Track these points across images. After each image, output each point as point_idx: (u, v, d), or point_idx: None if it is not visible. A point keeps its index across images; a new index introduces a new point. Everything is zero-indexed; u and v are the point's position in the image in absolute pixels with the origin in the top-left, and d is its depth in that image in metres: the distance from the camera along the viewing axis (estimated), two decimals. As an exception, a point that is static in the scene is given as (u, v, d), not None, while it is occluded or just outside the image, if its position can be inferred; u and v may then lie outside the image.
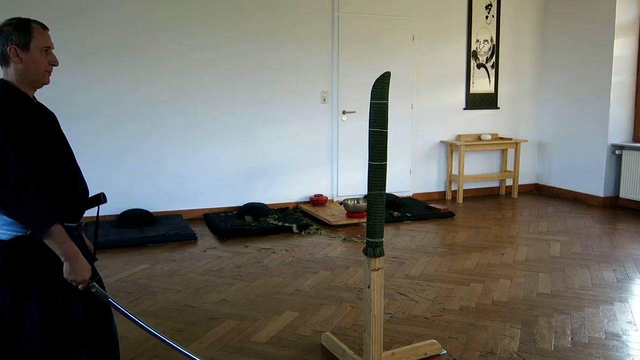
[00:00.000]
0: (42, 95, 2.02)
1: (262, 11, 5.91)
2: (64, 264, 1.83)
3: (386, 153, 2.47)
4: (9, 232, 1.83)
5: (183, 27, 5.63)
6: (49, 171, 1.85)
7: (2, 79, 1.91)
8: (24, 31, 1.86)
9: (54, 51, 1.95)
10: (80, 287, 1.87)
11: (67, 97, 5.24)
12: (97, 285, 1.95)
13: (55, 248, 1.81)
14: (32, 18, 1.92)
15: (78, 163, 2.06)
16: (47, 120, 1.97)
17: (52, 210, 1.78)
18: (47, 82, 1.96)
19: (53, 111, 2.04)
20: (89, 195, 2.05)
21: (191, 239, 5.02)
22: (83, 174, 2.05)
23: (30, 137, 1.82)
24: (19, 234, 1.83)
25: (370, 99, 2.45)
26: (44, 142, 1.87)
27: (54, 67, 1.96)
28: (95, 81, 5.37)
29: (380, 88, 2.42)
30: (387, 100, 2.45)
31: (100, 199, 2.04)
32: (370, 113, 2.47)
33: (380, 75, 2.44)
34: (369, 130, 2.46)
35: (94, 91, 5.38)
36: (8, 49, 1.85)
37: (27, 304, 1.84)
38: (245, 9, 5.84)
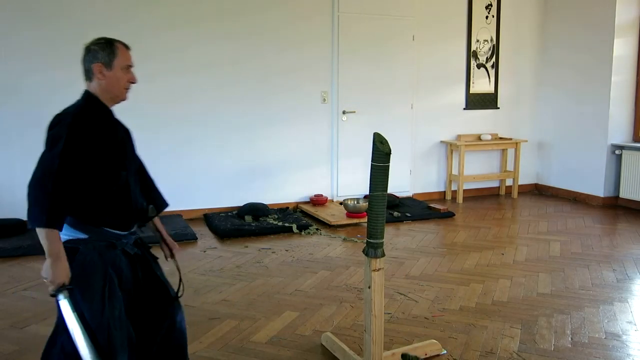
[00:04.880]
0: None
1: (262, 11, 5.91)
2: (45, 262, 1.85)
3: (389, 157, 2.46)
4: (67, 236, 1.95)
5: (182, 26, 5.63)
6: (102, 178, 1.95)
7: (86, 89, 2.07)
8: (109, 50, 2.04)
9: (133, 69, 2.10)
10: (50, 289, 1.86)
11: (66, 97, 5.23)
12: (66, 295, 1.89)
13: (43, 244, 1.84)
14: (116, 38, 2.08)
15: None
16: (119, 134, 2.09)
17: (53, 215, 1.81)
18: (125, 99, 2.11)
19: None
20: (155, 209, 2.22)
21: (191, 239, 5.02)
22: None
23: (89, 145, 1.92)
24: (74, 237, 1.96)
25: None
26: (105, 153, 1.97)
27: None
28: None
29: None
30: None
31: (147, 211, 2.17)
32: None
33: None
34: (373, 141, 2.45)
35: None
36: (93, 67, 2.02)
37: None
38: (245, 8, 5.84)
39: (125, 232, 2.07)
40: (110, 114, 2.09)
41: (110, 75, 2.04)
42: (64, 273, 1.85)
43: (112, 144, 2.03)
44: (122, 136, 2.12)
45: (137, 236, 2.17)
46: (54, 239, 1.83)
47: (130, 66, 2.10)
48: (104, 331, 1.91)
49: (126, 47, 2.10)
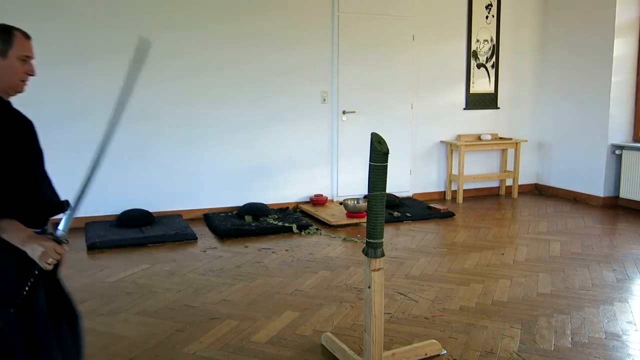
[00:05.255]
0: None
1: (262, 11, 5.91)
2: (27, 251, 1.75)
3: (387, 157, 2.46)
4: None
5: (182, 27, 5.63)
6: (8, 174, 1.83)
7: None
8: (5, 38, 1.88)
9: (34, 62, 1.94)
10: (58, 251, 1.77)
11: (65, 97, 5.23)
12: (62, 231, 1.84)
13: (8, 237, 1.76)
14: (16, 26, 1.92)
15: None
16: (19, 126, 1.96)
17: (3, 204, 1.74)
18: (21, 91, 1.96)
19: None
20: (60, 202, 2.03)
21: (191, 239, 5.02)
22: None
23: None
24: None
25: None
26: (7, 146, 1.85)
27: (32, 76, 1.95)
28: (95, 81, 5.35)
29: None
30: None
31: (64, 206, 2.02)
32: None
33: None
34: (370, 147, 2.45)
35: (93, 91, 5.36)
36: None
37: None
38: (245, 9, 5.84)
39: (38, 230, 1.92)
40: (7, 105, 1.94)
41: (4, 65, 1.88)
42: (44, 238, 1.78)
43: (13, 137, 1.89)
44: (22, 129, 1.98)
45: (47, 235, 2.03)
46: (17, 226, 1.76)
47: (29, 57, 1.94)
48: (20, 338, 1.80)
49: (26, 36, 1.94)
